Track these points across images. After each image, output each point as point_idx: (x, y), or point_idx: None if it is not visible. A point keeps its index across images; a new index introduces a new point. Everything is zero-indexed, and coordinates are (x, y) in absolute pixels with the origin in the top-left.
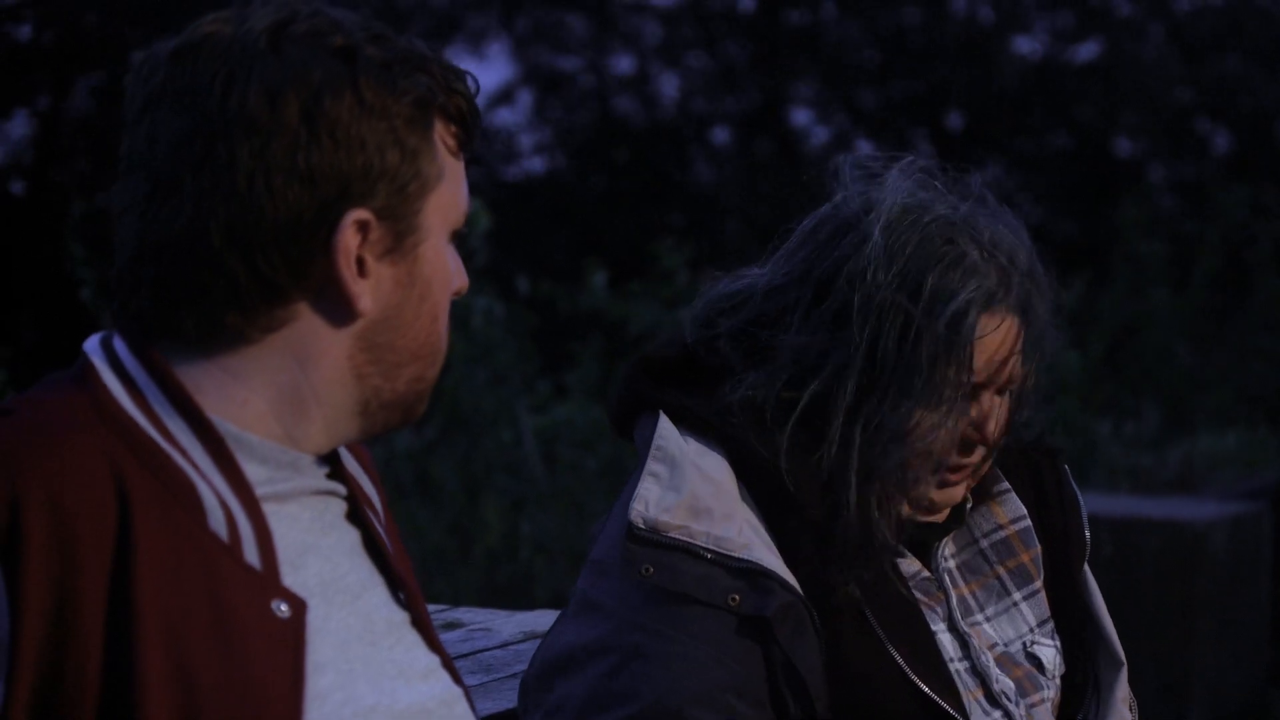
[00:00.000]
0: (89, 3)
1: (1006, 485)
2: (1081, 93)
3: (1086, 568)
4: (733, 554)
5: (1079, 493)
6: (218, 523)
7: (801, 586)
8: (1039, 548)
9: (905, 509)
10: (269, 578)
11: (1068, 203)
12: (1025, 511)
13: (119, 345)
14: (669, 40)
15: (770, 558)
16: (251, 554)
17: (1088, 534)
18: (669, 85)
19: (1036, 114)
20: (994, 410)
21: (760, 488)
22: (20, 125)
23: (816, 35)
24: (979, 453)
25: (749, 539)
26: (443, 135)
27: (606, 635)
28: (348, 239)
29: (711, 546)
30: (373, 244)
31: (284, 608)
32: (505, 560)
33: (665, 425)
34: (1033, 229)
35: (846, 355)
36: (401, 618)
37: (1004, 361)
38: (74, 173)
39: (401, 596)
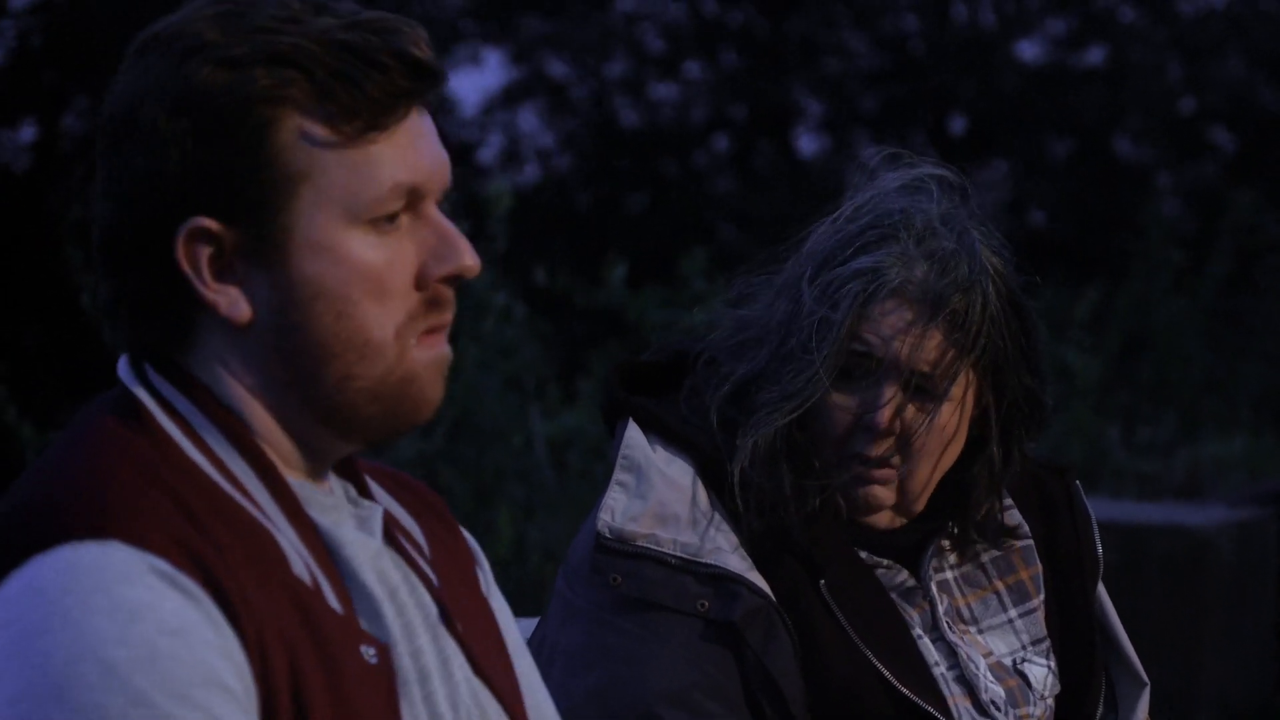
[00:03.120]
0: (87, 17)
1: (1009, 502)
2: (1085, 98)
3: (1101, 587)
4: (700, 560)
5: (1091, 510)
6: (300, 569)
7: (774, 591)
8: (1040, 566)
9: (841, 505)
10: (351, 622)
11: (1071, 209)
12: (1028, 529)
13: (153, 374)
14: (670, 47)
15: (738, 562)
16: (332, 599)
17: (1100, 551)
18: (669, 92)
19: (1040, 120)
20: (892, 400)
21: (726, 493)
22: (21, 133)
23: (818, 41)
24: (883, 444)
25: (717, 545)
26: (307, 125)
27: (580, 636)
28: (187, 247)
29: (678, 553)
30: (230, 249)
31: (371, 652)
32: (515, 567)
33: (633, 433)
34: (1035, 235)
35: (763, 332)
36: (454, 647)
37: (892, 344)
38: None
39: (447, 614)
